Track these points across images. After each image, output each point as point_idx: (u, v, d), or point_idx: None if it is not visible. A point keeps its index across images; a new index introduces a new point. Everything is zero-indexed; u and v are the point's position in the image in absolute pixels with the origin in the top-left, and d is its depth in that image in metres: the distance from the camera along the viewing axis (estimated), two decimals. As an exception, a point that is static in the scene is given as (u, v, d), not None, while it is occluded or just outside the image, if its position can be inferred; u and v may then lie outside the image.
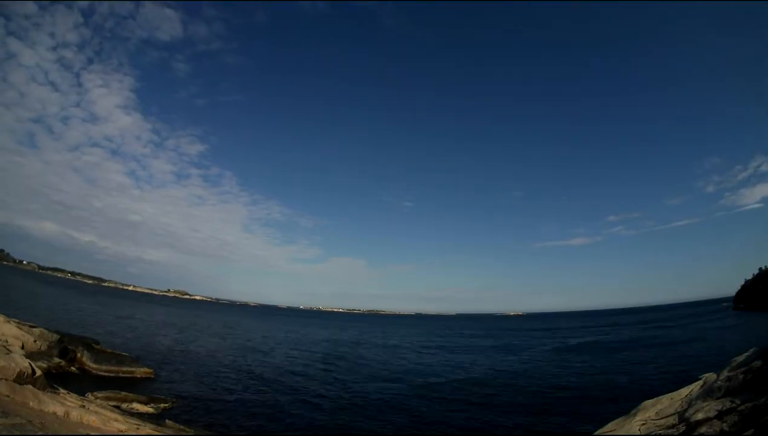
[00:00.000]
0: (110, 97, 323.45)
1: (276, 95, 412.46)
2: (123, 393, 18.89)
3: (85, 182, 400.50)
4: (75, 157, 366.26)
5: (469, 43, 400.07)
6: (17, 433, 7.31)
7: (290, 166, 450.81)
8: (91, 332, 34.78)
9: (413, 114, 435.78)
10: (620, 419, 10.24)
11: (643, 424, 8.95)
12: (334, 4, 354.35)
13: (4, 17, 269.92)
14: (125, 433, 11.82)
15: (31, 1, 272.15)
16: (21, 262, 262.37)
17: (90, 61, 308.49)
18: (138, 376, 24.27)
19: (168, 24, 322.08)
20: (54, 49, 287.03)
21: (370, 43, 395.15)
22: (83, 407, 12.84)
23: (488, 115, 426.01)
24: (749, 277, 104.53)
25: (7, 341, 18.86)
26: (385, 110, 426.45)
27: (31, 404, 10.73)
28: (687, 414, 7.89)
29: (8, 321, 22.25)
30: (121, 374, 23.85)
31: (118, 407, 16.65)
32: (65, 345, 24.43)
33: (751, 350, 9.20)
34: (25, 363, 12.18)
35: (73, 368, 23.45)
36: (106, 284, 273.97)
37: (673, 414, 8.64)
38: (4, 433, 7.06)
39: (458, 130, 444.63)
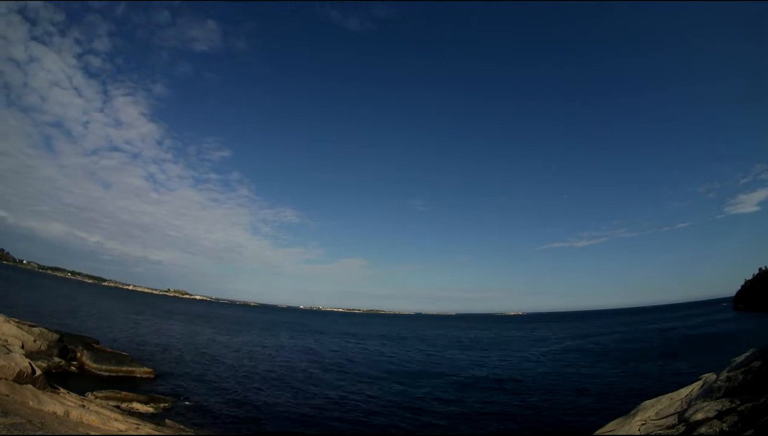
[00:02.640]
0: (135, 105, 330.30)
1: (294, 100, 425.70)
2: (123, 393, 18.88)
3: (99, 185, 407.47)
4: (92, 162, 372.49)
5: (474, 45, 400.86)
6: (17, 432, 7.31)
7: (300, 167, 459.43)
8: (90, 331, 34.79)
9: (421, 116, 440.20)
10: (620, 419, 10.24)
11: (643, 424, 8.94)
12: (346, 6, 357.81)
13: (29, 22, 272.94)
14: (125, 432, 11.81)
15: (61, 1, 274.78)
16: (21, 261, 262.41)
17: (119, 69, 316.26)
18: (138, 375, 24.25)
19: (208, 34, 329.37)
20: (80, 56, 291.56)
21: (382, 45, 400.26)
22: (83, 406, 12.84)
23: (492, 118, 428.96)
24: (749, 277, 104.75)
25: (6, 341, 18.86)
26: (396, 112, 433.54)
27: (30, 403, 10.73)
28: (687, 414, 7.89)
29: (8, 320, 22.25)
30: (121, 374, 23.83)
31: (118, 407, 16.66)
32: (65, 344, 24.43)
33: (751, 351, 9.20)
34: (24, 363, 12.17)
35: (73, 368, 23.44)
36: (105, 284, 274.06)
37: (673, 414, 8.63)
38: (3, 433, 7.06)
39: (463, 132, 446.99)
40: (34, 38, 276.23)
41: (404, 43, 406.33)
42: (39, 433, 7.71)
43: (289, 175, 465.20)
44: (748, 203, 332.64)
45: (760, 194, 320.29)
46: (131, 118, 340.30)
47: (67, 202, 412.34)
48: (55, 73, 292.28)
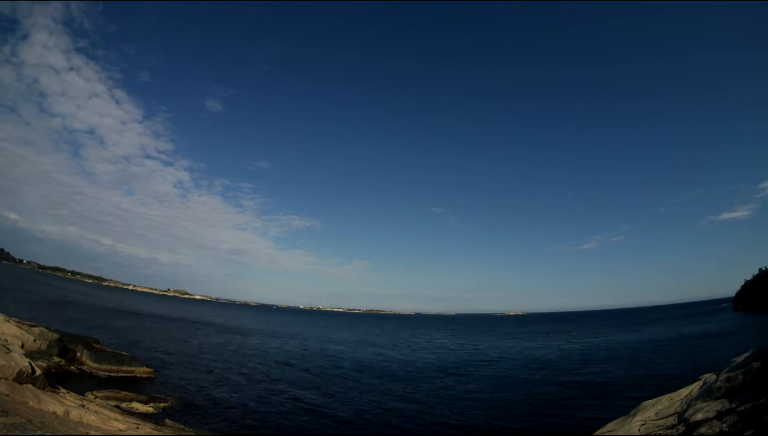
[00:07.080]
0: (173, 121, 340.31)
1: (306, 104, 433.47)
2: (123, 392, 18.89)
3: (123, 191, 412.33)
4: (120, 169, 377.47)
5: (474, 47, 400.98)
6: (17, 432, 7.30)
7: (305, 168, 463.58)
8: (90, 330, 34.77)
9: (425, 118, 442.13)
10: (620, 419, 10.23)
11: (643, 424, 8.94)
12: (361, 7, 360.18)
13: (76, 33, 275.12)
14: (125, 432, 11.81)
15: (112, 2, 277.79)
16: (21, 261, 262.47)
17: (165, 83, 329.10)
18: (138, 375, 24.26)
19: (270, 53, 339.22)
20: (126, 70, 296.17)
21: (397, 46, 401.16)
22: (83, 406, 12.84)
23: (494, 118, 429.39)
24: (749, 277, 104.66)
25: (6, 340, 18.87)
26: (400, 114, 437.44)
27: (30, 403, 10.73)
28: (686, 415, 7.89)
29: (8, 320, 22.24)
30: (121, 374, 23.84)
31: (117, 407, 16.66)
32: (65, 344, 24.42)
33: (750, 351, 9.20)
34: (24, 362, 12.18)
35: (72, 368, 23.44)
36: (105, 284, 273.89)
37: (673, 414, 8.63)
38: (3, 432, 7.06)
39: (466, 134, 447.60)
40: (78, 49, 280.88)
41: (406, 45, 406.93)
42: (39, 433, 7.71)
43: (303, 180, 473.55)
44: (746, 207, 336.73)
45: (759, 198, 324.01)
46: (170, 131, 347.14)
47: (87, 206, 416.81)
48: (94, 84, 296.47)
